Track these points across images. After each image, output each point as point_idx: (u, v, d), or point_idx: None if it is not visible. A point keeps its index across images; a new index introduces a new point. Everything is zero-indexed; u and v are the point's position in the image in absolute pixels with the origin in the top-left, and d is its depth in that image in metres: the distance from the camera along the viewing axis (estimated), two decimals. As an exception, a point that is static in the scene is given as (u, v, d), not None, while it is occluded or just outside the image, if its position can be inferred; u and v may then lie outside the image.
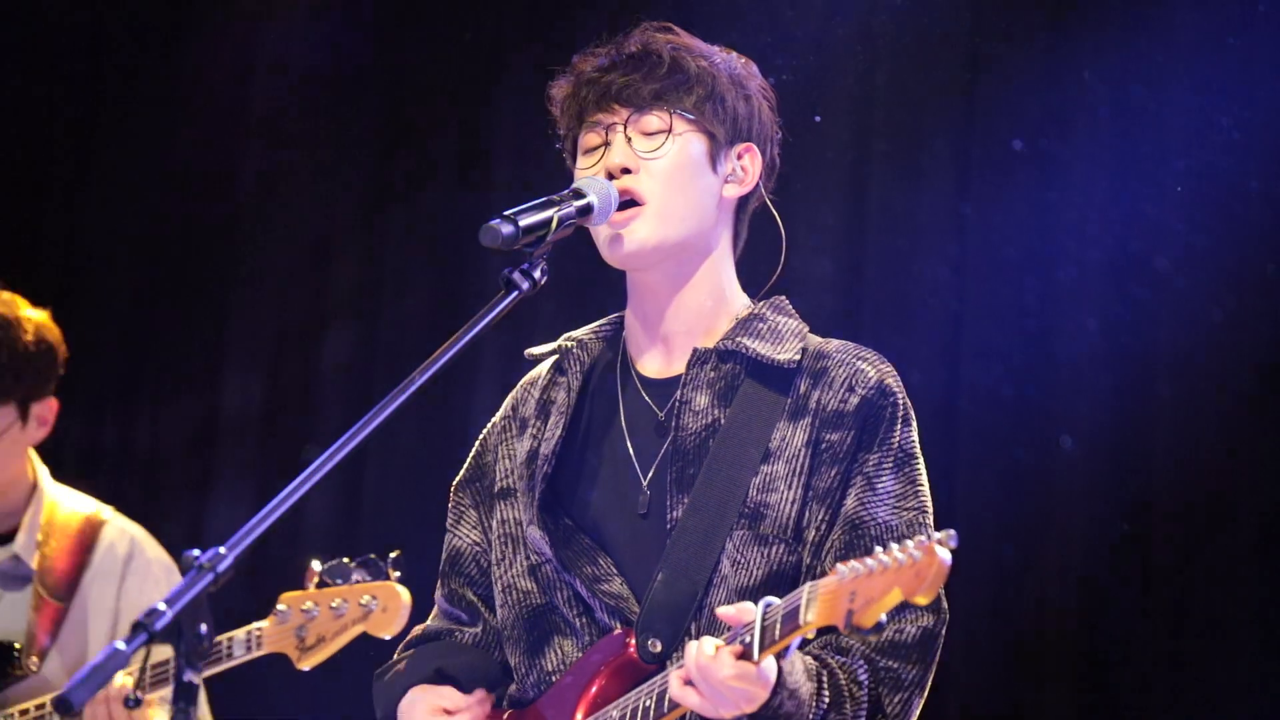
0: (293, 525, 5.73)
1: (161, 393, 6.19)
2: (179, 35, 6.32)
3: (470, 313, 2.86)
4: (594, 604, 3.11)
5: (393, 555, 3.39)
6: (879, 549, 2.56)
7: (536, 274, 2.91)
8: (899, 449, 3.12)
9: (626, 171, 3.13)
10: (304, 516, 5.78)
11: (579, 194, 3.06)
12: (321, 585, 3.62)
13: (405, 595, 3.36)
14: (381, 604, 3.46)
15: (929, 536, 2.52)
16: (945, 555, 2.50)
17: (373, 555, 3.40)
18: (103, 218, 6.36)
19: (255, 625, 3.81)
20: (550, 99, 3.28)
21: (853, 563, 2.57)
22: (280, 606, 3.76)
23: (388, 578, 3.47)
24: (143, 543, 4.49)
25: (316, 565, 3.69)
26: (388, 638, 3.48)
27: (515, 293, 2.89)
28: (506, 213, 2.92)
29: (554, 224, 2.96)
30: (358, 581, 3.62)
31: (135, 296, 6.31)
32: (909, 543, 2.52)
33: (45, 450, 4.57)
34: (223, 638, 3.85)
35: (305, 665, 3.62)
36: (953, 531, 2.50)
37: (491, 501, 3.30)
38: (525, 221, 2.93)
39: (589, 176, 3.13)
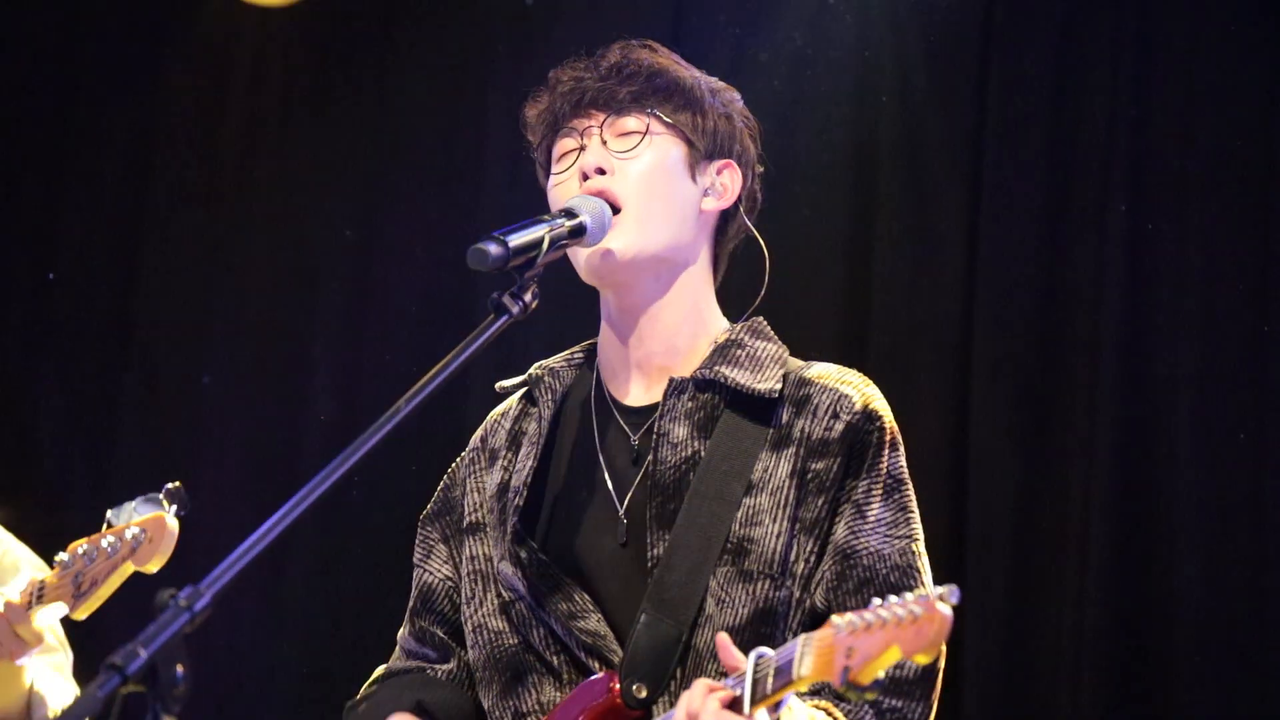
0: (276, 560, 5.77)
1: (139, 413, 6.20)
2: (156, 44, 6.34)
3: (459, 338, 2.86)
4: (570, 642, 3.10)
5: (169, 486, 3.34)
6: (877, 601, 2.54)
7: (527, 297, 2.92)
8: (888, 475, 3.14)
9: (601, 172, 3.16)
10: (287, 550, 5.80)
11: (571, 213, 3.08)
12: (109, 527, 3.55)
13: (172, 524, 3.26)
14: (149, 535, 3.36)
15: (930, 592, 2.51)
16: (947, 612, 2.47)
17: (157, 492, 3.36)
18: (77, 232, 6.37)
19: (38, 577, 3.69)
20: (524, 120, 3.32)
21: (850, 616, 2.56)
22: (63, 555, 3.63)
23: (163, 509, 3.40)
24: None
25: (110, 512, 3.56)
26: (153, 570, 3.39)
27: (505, 317, 2.90)
28: (495, 233, 2.93)
29: (545, 245, 2.97)
30: (134, 518, 3.54)
31: (113, 317, 6.32)
32: (909, 596, 2.50)
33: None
34: (16, 597, 3.78)
35: (79, 614, 3.50)
36: (954, 587, 2.49)
37: (461, 536, 3.29)
38: (515, 242, 2.93)
39: (581, 195, 3.15)
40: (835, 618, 2.58)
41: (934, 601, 2.47)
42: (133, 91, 6.30)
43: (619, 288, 3.21)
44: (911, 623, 2.47)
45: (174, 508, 3.37)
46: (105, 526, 3.51)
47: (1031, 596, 5.07)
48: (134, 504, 3.48)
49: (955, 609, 2.50)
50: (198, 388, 6.10)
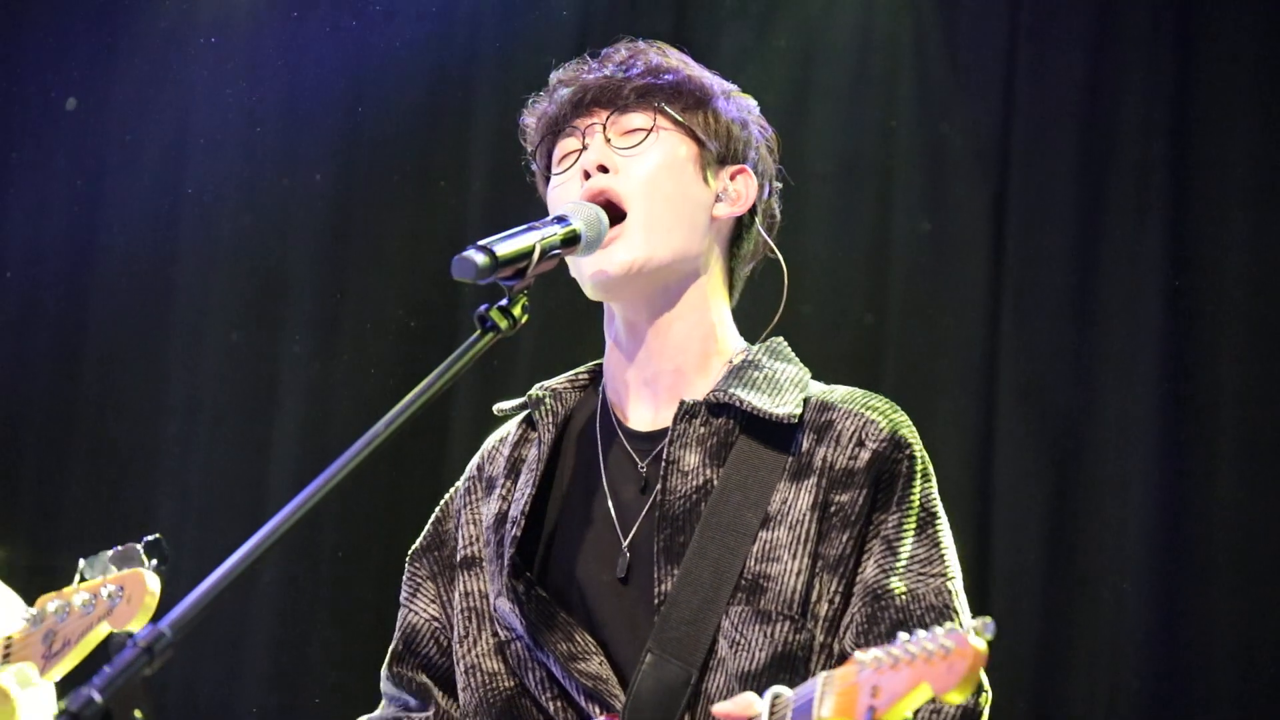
0: (242, 596, 5.69)
1: (92, 439, 6.11)
2: (110, 39, 6.26)
3: (441, 356, 2.79)
4: (569, 686, 3.04)
5: (149, 538, 3.29)
6: (904, 636, 2.46)
7: (516, 311, 2.82)
8: (920, 507, 3.07)
9: (604, 170, 3.11)
10: (255, 586, 5.73)
11: (564, 220, 3.01)
12: (83, 581, 3.49)
13: (154, 582, 3.21)
14: (127, 594, 3.28)
15: (962, 624, 2.44)
16: (981, 646, 2.39)
17: (136, 544, 3.30)
18: (24, 254, 6.30)
19: (5, 634, 3.62)
20: (522, 128, 3.29)
21: (874, 652, 2.47)
22: (33, 610, 3.55)
23: (142, 565, 3.34)
24: None
25: (82, 562, 3.55)
26: (133, 631, 3.34)
27: (492, 333, 2.81)
28: (482, 242, 2.85)
29: (536, 255, 2.89)
30: (110, 573, 3.48)
31: (63, 344, 6.23)
32: (939, 630, 2.42)
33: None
34: None
35: (50, 676, 3.45)
36: (989, 620, 2.40)
37: (452, 572, 3.24)
38: (503, 252, 2.85)
39: (575, 201, 3.09)
40: (858, 654, 2.50)
41: (966, 635, 2.39)
42: (84, 89, 6.22)
43: (625, 300, 3.15)
44: (943, 658, 2.39)
45: (154, 562, 3.30)
46: (78, 579, 3.45)
47: (1063, 633, 5.05)
48: (109, 554, 3.42)
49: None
50: (154, 410, 6.04)
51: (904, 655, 2.43)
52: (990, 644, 2.43)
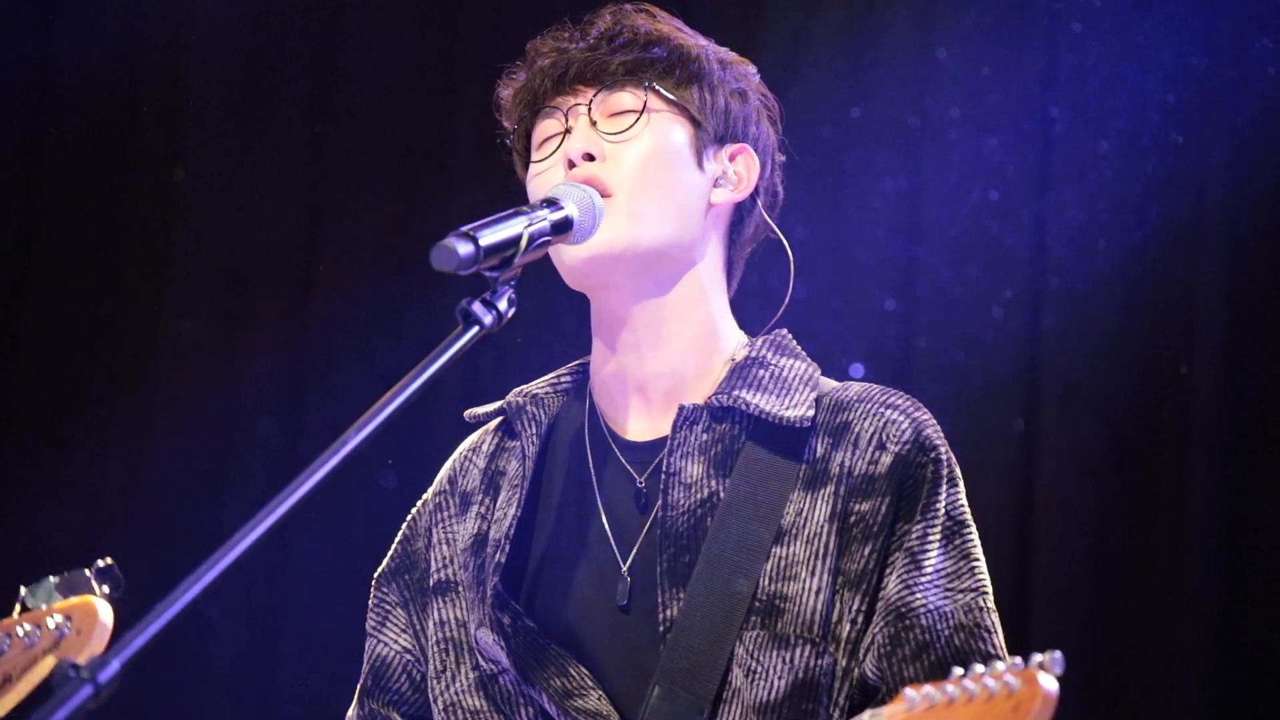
0: (202, 623, 5.65)
1: (38, 436, 6.06)
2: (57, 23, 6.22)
3: (420, 353, 2.74)
4: None
5: (100, 564, 3.25)
6: (958, 671, 2.38)
7: (502, 305, 2.77)
8: (946, 516, 3.03)
9: (590, 159, 3.07)
10: (214, 606, 5.70)
11: (554, 204, 2.96)
12: (25, 611, 3.45)
13: (105, 611, 3.18)
14: (76, 625, 3.26)
15: (998, 646, 2.37)
16: (1051, 685, 2.31)
17: (86, 570, 3.26)
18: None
19: None
20: (498, 101, 3.24)
21: (927, 689, 2.39)
22: None
23: (92, 592, 3.29)
24: None
25: (24, 590, 3.49)
26: (77, 662, 3.30)
27: (476, 329, 2.75)
28: (464, 228, 2.79)
29: (524, 243, 2.84)
30: (55, 601, 3.44)
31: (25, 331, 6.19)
32: (999, 665, 2.34)
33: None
34: None
35: None
36: (1059, 654, 2.33)
37: (424, 597, 3.21)
38: (488, 240, 2.79)
39: (565, 182, 3.06)
40: (909, 690, 2.42)
41: (1034, 672, 2.32)
42: (29, 71, 6.17)
43: (609, 292, 3.10)
44: (1006, 697, 2.32)
45: (105, 588, 3.24)
46: (19, 609, 3.41)
47: (1111, 661, 5.02)
48: (53, 581, 3.39)
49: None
50: (102, 414, 5.98)
51: (961, 694, 2.37)
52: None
